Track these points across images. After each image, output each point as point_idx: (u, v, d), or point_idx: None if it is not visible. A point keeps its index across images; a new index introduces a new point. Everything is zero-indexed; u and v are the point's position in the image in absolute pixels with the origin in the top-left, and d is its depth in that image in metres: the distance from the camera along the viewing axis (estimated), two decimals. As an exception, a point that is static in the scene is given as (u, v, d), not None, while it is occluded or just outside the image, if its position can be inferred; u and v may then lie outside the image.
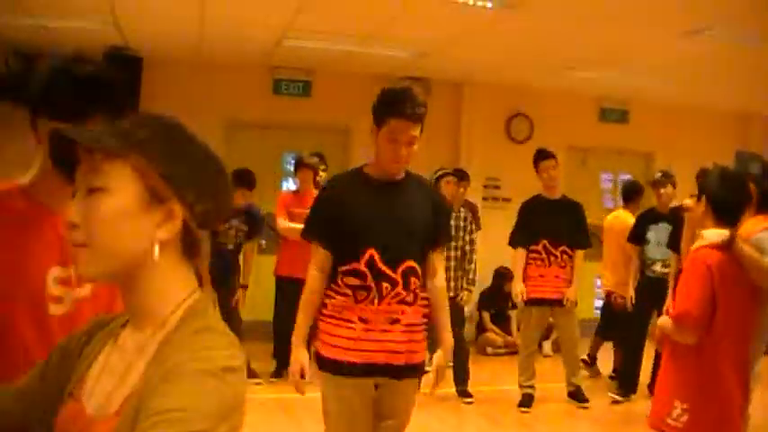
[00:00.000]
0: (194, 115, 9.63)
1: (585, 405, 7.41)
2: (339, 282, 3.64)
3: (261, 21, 7.54)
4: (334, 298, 3.66)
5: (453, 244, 7.31)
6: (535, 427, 6.97)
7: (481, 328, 10.04)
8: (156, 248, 1.38)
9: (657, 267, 7.54)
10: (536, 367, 7.48)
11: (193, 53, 9.14)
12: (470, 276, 7.46)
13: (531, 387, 7.40)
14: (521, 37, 7.76)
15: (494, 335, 9.79)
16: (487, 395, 7.66)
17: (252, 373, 7.15)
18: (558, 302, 7.25)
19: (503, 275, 9.89)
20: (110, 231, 1.37)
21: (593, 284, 11.35)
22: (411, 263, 3.65)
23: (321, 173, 8.54)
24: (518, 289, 7.25)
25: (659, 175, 7.78)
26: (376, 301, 3.59)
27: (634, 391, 7.62)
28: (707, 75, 9.11)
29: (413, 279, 3.66)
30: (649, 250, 7.62)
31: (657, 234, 7.53)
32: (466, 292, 7.36)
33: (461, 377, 7.61)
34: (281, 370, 7.52)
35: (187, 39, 8.42)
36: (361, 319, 3.61)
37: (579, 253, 7.32)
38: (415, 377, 3.86)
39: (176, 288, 1.43)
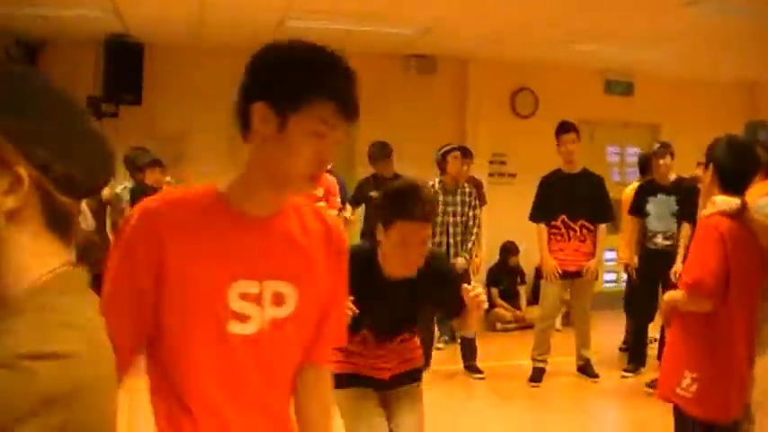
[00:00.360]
0: (197, 100, 9.69)
1: (595, 380, 7.44)
2: None
3: (261, 2, 7.51)
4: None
5: (456, 219, 7.35)
6: (545, 400, 7.00)
7: (490, 304, 10.06)
8: (2, 219, 1.16)
9: (659, 239, 7.47)
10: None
11: (194, 38, 9.12)
12: (468, 246, 7.46)
13: (544, 362, 7.42)
14: (523, 11, 7.73)
15: (503, 310, 9.80)
16: (497, 370, 7.69)
17: None
18: (576, 274, 7.28)
19: (509, 250, 9.92)
20: None
21: (603, 258, 11.37)
22: (405, 335, 3.74)
23: None
24: (549, 264, 7.26)
25: (657, 146, 7.66)
26: (373, 359, 3.72)
27: (643, 364, 7.61)
28: (710, 45, 9.05)
29: (406, 340, 3.76)
30: (650, 222, 7.55)
31: (657, 206, 7.47)
32: (461, 259, 7.34)
33: (469, 353, 7.65)
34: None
35: (187, 23, 8.40)
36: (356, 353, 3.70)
37: (602, 227, 7.33)
38: (414, 382, 3.88)
39: (35, 264, 1.20)
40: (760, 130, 4.37)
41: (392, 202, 3.35)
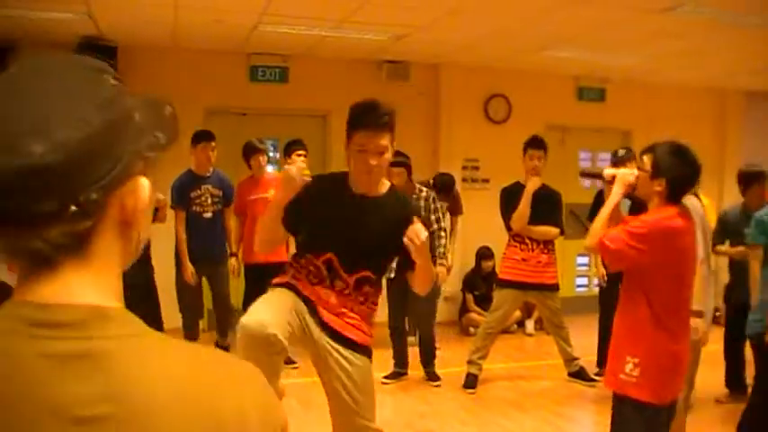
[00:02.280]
0: (172, 103, 9.69)
1: (592, 384, 7.47)
2: (302, 257, 3.78)
3: (235, 6, 7.50)
4: (295, 265, 3.79)
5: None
6: (522, 404, 7.02)
7: (464, 309, 10.10)
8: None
9: None
10: (519, 346, 7.54)
11: (169, 41, 9.10)
12: (440, 251, 7.42)
13: (478, 366, 7.42)
14: (496, 18, 7.77)
15: (476, 315, 9.83)
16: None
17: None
18: (539, 287, 7.32)
19: (483, 255, 9.96)
20: None
21: (575, 263, 11.46)
22: (367, 273, 3.77)
23: (302, 158, 8.54)
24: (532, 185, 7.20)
25: (622, 152, 7.55)
26: (328, 291, 3.72)
27: None
28: (682, 52, 9.15)
29: (366, 287, 3.79)
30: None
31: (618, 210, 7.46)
32: (439, 267, 7.35)
33: (428, 358, 7.71)
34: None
35: (162, 27, 8.37)
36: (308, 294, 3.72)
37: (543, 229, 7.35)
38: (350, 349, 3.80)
39: None
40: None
41: (351, 115, 3.69)
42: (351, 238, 3.70)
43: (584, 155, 11.76)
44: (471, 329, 9.68)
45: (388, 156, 3.69)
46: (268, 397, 1.09)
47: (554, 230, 7.36)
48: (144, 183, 1.05)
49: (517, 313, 9.48)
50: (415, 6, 7.38)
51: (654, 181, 3.91)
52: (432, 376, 7.63)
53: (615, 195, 4.15)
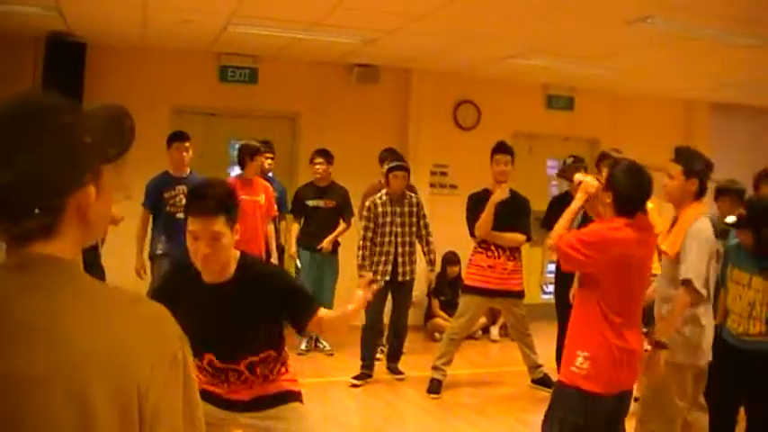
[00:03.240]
0: (140, 103, 9.58)
1: (550, 390, 7.49)
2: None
3: (205, 6, 7.46)
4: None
5: (404, 230, 7.45)
6: (486, 410, 7.03)
7: (430, 314, 10.09)
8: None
9: None
10: (484, 352, 7.56)
11: (138, 40, 9.02)
12: (432, 257, 7.76)
13: (442, 372, 7.44)
14: (465, 25, 7.78)
15: (442, 321, 9.83)
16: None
17: None
18: (505, 294, 7.36)
19: (450, 261, 9.98)
20: None
21: (540, 270, 11.50)
22: (253, 357, 3.55)
23: (269, 161, 8.52)
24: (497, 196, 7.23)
25: (570, 160, 7.58)
26: (226, 386, 3.59)
27: None
28: (650, 62, 9.22)
29: (259, 368, 3.59)
30: None
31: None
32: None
33: (394, 355, 7.88)
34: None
35: (131, 25, 8.30)
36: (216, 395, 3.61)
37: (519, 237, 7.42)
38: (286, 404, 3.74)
39: None
40: (695, 161, 4.77)
41: (187, 199, 3.50)
42: (217, 333, 3.43)
43: (551, 162, 11.82)
44: (437, 335, 9.68)
45: (227, 240, 3.32)
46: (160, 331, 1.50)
47: (520, 237, 7.39)
48: (92, 191, 1.45)
49: (482, 319, 9.49)
50: (386, 11, 7.38)
51: (605, 193, 4.26)
52: (396, 371, 7.78)
53: (577, 201, 4.53)
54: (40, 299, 1.37)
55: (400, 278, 7.52)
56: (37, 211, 1.38)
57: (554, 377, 7.53)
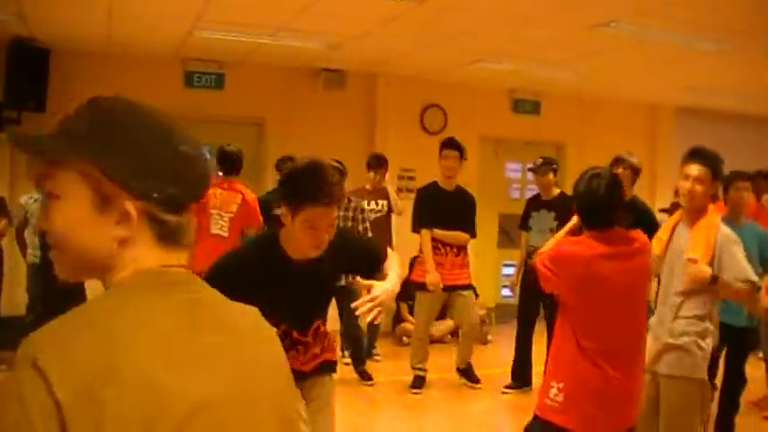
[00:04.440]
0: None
1: (478, 386, 7.65)
2: None
3: (170, 11, 7.42)
4: None
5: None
6: (454, 413, 7.04)
7: (398, 319, 10.09)
8: (114, 245, 1.33)
9: None
10: (453, 356, 7.58)
11: (102, 45, 8.95)
12: None
13: (423, 370, 7.61)
14: (430, 29, 7.81)
15: (410, 325, 9.82)
16: (405, 384, 7.68)
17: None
18: (455, 288, 7.44)
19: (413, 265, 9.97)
20: (70, 238, 1.33)
21: (499, 272, 11.56)
22: (318, 322, 3.71)
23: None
24: (433, 279, 7.32)
25: (540, 161, 7.63)
26: (302, 357, 3.66)
27: (527, 384, 7.61)
28: (615, 67, 9.30)
29: (321, 331, 3.73)
30: (532, 237, 7.56)
31: (539, 221, 7.50)
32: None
33: (357, 355, 7.95)
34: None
35: (95, 30, 8.23)
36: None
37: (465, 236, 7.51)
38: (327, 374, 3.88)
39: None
40: (719, 162, 4.36)
41: (298, 185, 3.23)
42: (302, 306, 3.54)
43: (513, 166, 11.90)
44: (405, 339, 9.69)
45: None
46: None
47: (464, 236, 7.49)
48: None
49: (450, 323, 9.52)
50: (351, 16, 7.38)
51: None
52: (365, 375, 7.82)
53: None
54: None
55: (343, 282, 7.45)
56: None
57: (504, 382, 7.59)
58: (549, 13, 6.93)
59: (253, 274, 3.24)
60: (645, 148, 11.79)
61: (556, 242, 4.09)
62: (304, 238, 3.24)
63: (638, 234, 3.96)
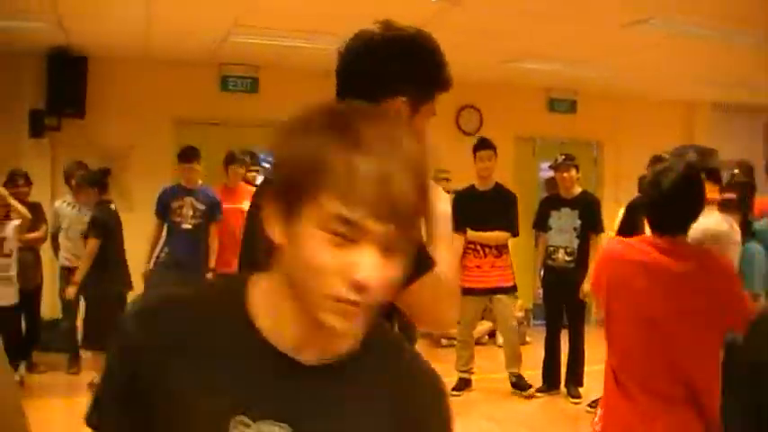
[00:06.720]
0: (142, 113, 9.59)
1: (530, 393, 7.51)
2: None
3: (206, 17, 7.47)
4: None
5: None
6: (494, 415, 7.01)
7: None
8: None
9: (560, 255, 7.37)
10: (491, 356, 7.56)
11: (139, 51, 9.03)
12: None
13: (468, 372, 7.59)
14: (465, 30, 7.78)
15: (448, 326, 9.82)
16: (448, 384, 7.66)
17: None
18: (496, 291, 7.40)
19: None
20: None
21: (537, 272, 11.46)
22: None
23: (253, 173, 8.52)
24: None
25: (561, 158, 7.50)
26: None
27: (556, 387, 7.51)
28: (651, 64, 9.22)
29: None
30: (551, 237, 7.47)
31: (559, 220, 7.40)
32: None
33: None
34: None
35: (133, 37, 8.31)
36: None
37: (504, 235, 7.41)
38: None
39: None
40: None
41: (429, 65, 2.46)
42: None
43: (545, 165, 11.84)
44: (443, 341, 9.67)
45: None
46: None
47: (504, 235, 7.40)
48: None
49: (489, 324, 9.49)
50: (384, 18, 7.38)
51: None
52: None
53: None
54: None
55: None
56: None
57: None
58: (584, 11, 6.89)
59: None
60: (682, 144, 11.66)
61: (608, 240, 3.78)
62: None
63: (724, 263, 3.24)
